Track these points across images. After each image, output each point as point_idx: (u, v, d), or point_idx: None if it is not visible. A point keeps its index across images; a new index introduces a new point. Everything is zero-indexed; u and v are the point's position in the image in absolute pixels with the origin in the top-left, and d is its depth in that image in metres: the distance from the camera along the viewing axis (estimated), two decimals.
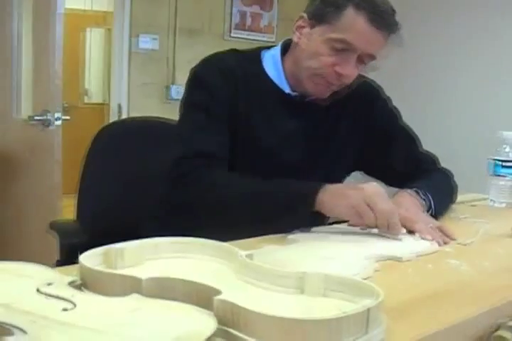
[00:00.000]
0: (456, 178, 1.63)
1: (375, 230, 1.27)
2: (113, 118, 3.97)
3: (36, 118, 2.97)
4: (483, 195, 1.85)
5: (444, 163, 1.67)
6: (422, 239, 1.24)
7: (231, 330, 0.68)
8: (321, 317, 0.65)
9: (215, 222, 1.34)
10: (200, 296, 0.74)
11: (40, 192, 3.08)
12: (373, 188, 1.23)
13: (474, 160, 3.26)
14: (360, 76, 1.50)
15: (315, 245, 1.16)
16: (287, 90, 1.50)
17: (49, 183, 3.01)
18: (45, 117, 2.94)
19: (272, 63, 1.51)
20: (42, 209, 3.06)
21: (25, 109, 3.27)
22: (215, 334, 0.63)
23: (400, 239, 1.22)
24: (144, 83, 4.00)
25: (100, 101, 6.67)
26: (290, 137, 1.51)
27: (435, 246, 1.19)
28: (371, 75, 1.61)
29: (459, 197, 1.64)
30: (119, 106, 4.00)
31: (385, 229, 1.22)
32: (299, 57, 1.46)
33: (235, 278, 0.86)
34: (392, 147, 1.62)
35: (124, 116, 3.96)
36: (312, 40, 1.42)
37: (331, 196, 1.24)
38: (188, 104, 1.50)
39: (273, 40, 4.60)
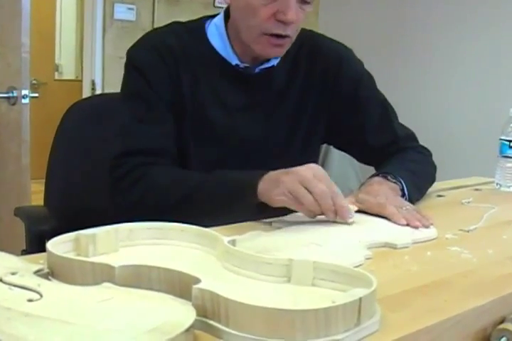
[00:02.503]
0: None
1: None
2: (86, 95, 3.95)
3: (1, 95, 2.94)
4: (488, 178, 1.85)
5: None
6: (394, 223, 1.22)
7: (211, 321, 0.68)
8: (308, 308, 0.65)
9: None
10: (179, 285, 0.75)
11: (7, 175, 3.06)
12: (308, 170, 1.17)
13: (481, 141, 3.28)
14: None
15: (302, 230, 1.16)
16: (235, 62, 1.45)
17: (16, 166, 2.99)
18: (11, 94, 2.92)
19: (216, 33, 1.47)
20: (8, 194, 3.05)
21: None
22: (193, 326, 0.63)
23: (350, 223, 1.19)
24: (120, 57, 3.96)
25: (73, 77, 6.65)
26: (242, 113, 1.48)
27: (434, 233, 1.19)
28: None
29: (462, 181, 1.65)
30: (93, 83, 3.98)
31: (330, 212, 1.16)
32: (236, 19, 1.40)
33: (217, 266, 0.86)
34: (363, 116, 1.56)
35: (99, 92, 3.93)
36: None
37: (268, 185, 1.22)
38: (124, 91, 1.49)
39: None
